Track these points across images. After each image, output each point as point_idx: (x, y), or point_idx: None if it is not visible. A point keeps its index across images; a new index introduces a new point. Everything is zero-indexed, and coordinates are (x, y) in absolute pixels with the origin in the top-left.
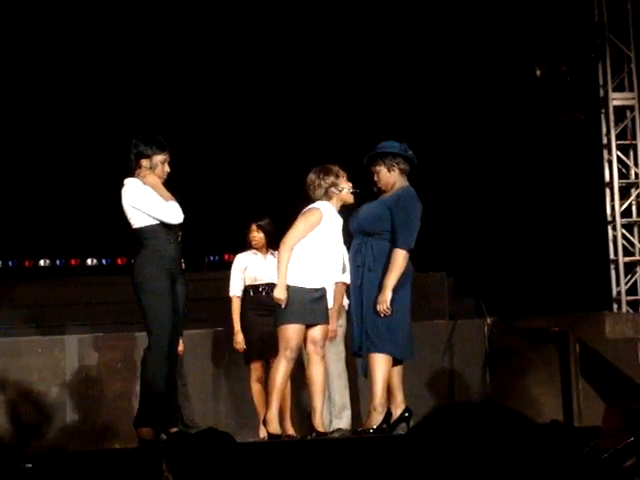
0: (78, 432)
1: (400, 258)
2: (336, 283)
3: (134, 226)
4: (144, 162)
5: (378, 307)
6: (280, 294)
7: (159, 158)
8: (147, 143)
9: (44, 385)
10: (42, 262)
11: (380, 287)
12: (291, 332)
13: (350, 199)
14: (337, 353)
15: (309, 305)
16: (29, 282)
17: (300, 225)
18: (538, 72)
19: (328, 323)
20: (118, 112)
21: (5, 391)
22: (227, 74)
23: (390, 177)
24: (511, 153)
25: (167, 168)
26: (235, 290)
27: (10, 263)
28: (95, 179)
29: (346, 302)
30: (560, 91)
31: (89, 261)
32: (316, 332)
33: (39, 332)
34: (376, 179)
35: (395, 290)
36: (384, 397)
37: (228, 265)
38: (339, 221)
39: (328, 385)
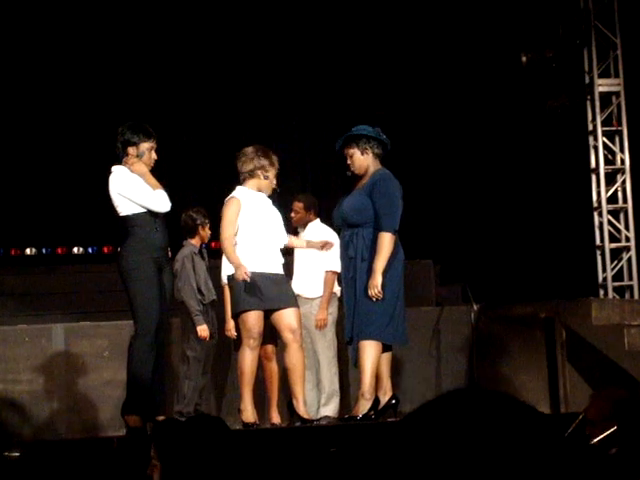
0: (65, 420)
1: (386, 241)
2: (326, 271)
3: (121, 214)
4: (131, 150)
5: (369, 292)
6: (240, 273)
7: (146, 146)
8: (134, 131)
9: (31, 374)
10: (28, 251)
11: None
12: (251, 320)
13: (268, 190)
14: (327, 341)
15: (265, 290)
16: (15, 271)
17: (224, 220)
18: (523, 59)
19: (296, 306)
20: (105, 100)
21: None
22: (214, 61)
23: (364, 160)
24: (497, 140)
25: (154, 156)
26: (226, 279)
27: None
28: (81, 167)
29: (337, 289)
30: (545, 78)
31: (75, 249)
32: (289, 318)
33: (26, 321)
34: (349, 162)
35: (385, 275)
36: (372, 385)
37: (214, 253)
38: (261, 198)
39: (318, 372)
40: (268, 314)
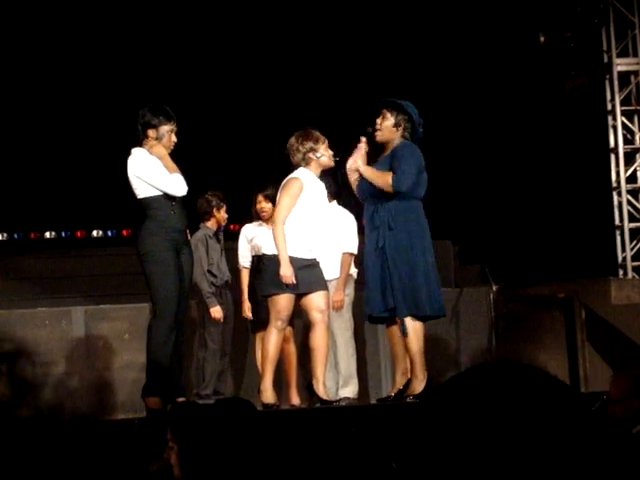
0: (85, 402)
1: (388, 187)
2: (343, 253)
3: (139, 197)
4: (151, 132)
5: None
6: (287, 271)
7: (166, 128)
8: (154, 113)
9: (51, 357)
10: (48, 234)
11: (404, 246)
12: (282, 302)
13: (330, 164)
14: (344, 322)
15: (299, 274)
16: (35, 254)
17: (283, 200)
18: (542, 39)
19: (327, 289)
20: (125, 82)
21: (12, 363)
22: (233, 44)
23: (392, 132)
24: (516, 120)
25: (174, 138)
26: (243, 261)
27: (16, 235)
28: (101, 150)
29: (354, 271)
30: (564, 58)
31: (95, 233)
32: (319, 300)
33: (46, 304)
34: (378, 121)
35: (416, 245)
36: (423, 363)
37: (232, 235)
38: (320, 186)
39: (335, 354)
40: (298, 298)
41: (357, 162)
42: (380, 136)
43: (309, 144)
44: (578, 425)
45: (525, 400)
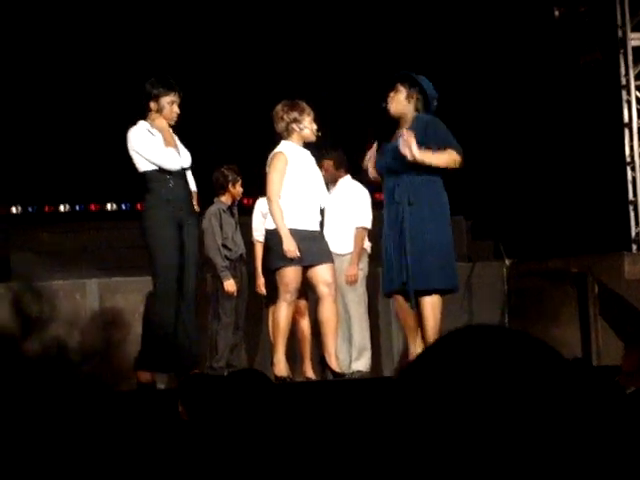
0: (98, 374)
1: (453, 157)
2: (356, 227)
3: (139, 171)
4: (152, 104)
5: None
6: (289, 244)
7: (167, 99)
8: (155, 84)
9: (65, 329)
10: (62, 207)
11: (424, 220)
12: (289, 275)
13: (311, 138)
14: (358, 296)
15: (304, 246)
16: (49, 227)
17: (272, 176)
18: (556, 13)
19: (332, 262)
20: (136, 54)
21: (26, 335)
22: (245, 16)
23: (405, 105)
24: (529, 95)
25: (176, 110)
26: (257, 235)
27: (30, 209)
28: (115, 123)
29: (367, 245)
30: (578, 32)
31: (109, 206)
32: (325, 273)
33: (60, 277)
34: (391, 95)
35: (437, 219)
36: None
37: (246, 210)
38: (306, 155)
39: (348, 328)
40: (304, 270)
41: (413, 150)
42: (393, 109)
43: (294, 114)
44: (564, 388)
45: (503, 363)
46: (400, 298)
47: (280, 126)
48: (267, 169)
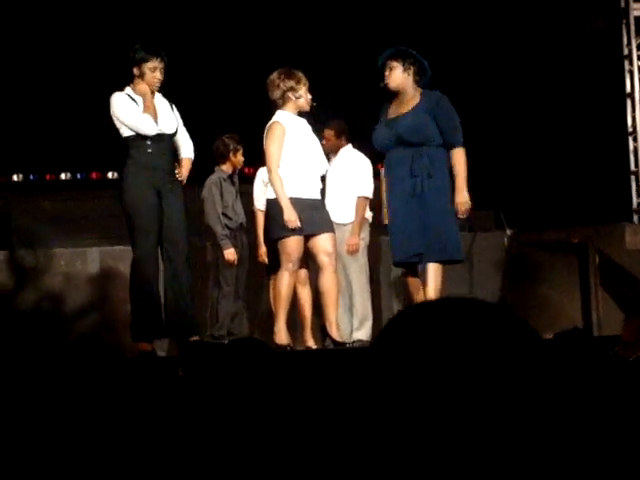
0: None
1: (464, 156)
2: (358, 197)
3: (122, 136)
4: (135, 70)
5: (460, 208)
6: (290, 214)
7: (149, 65)
8: (138, 50)
9: (65, 297)
10: (63, 176)
11: (441, 191)
12: (291, 245)
13: (305, 107)
14: (359, 266)
15: (305, 215)
16: (50, 196)
17: (270, 147)
18: None
19: (333, 232)
20: (137, 22)
21: (26, 303)
22: None
23: (403, 79)
24: (532, 65)
25: (158, 76)
26: (259, 204)
27: (31, 177)
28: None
29: (369, 215)
30: (581, 2)
31: (110, 174)
32: (325, 243)
33: (61, 245)
34: (387, 74)
35: (449, 192)
36: None
37: (247, 179)
38: (302, 123)
39: (350, 297)
40: (305, 239)
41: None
42: (392, 83)
43: (290, 83)
44: (532, 355)
45: (470, 333)
46: (411, 275)
47: (276, 94)
48: (264, 140)
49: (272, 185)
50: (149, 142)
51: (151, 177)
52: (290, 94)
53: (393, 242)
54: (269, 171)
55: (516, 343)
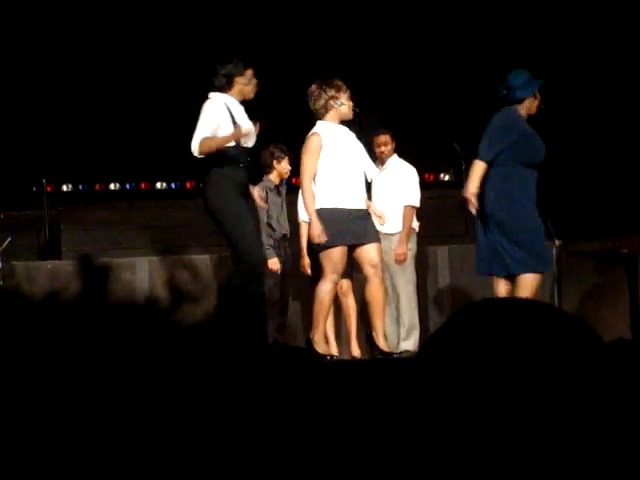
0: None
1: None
2: (405, 206)
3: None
4: (239, 79)
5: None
6: (314, 229)
7: (250, 72)
8: (236, 62)
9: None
10: (112, 186)
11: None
12: (336, 255)
13: (349, 115)
14: (407, 276)
15: (348, 226)
16: (99, 206)
17: (305, 162)
18: None
19: (379, 242)
20: (186, 36)
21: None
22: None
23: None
24: (579, 75)
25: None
26: (303, 215)
27: (80, 187)
28: (164, 103)
29: (416, 224)
30: (628, 10)
31: (158, 185)
32: (371, 253)
33: (110, 255)
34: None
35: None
36: None
37: (295, 188)
38: (343, 132)
39: (397, 308)
40: (350, 249)
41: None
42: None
43: (332, 91)
44: (587, 356)
45: (524, 334)
46: (502, 282)
47: (318, 104)
48: (302, 151)
49: (303, 198)
50: (241, 154)
51: (243, 186)
52: (332, 102)
53: (479, 258)
54: (301, 184)
55: (577, 346)
